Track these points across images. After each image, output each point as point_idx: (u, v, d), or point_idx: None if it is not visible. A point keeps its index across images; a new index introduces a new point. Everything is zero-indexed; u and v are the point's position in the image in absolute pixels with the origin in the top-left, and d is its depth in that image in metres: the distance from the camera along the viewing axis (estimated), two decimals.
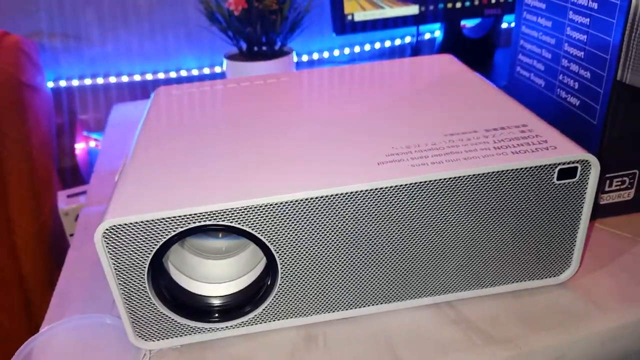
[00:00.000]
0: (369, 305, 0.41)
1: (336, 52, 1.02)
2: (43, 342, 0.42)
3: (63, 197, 0.82)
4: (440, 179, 0.37)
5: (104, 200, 0.63)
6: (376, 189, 0.36)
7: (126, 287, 0.37)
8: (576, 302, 0.42)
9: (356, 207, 0.37)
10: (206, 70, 0.99)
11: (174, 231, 0.35)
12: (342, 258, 0.39)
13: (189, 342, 0.40)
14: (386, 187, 0.36)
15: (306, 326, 0.41)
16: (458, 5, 0.84)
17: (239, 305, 0.39)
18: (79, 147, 0.97)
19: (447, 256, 0.40)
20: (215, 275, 0.41)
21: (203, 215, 0.35)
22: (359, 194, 0.36)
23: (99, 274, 0.50)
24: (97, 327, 0.42)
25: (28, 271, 0.87)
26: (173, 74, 0.98)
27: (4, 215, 0.84)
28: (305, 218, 0.36)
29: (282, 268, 0.38)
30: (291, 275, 0.38)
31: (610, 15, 0.45)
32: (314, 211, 0.36)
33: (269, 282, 0.39)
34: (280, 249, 0.37)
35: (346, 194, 0.36)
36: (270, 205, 0.36)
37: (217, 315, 0.39)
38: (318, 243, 0.38)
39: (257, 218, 0.36)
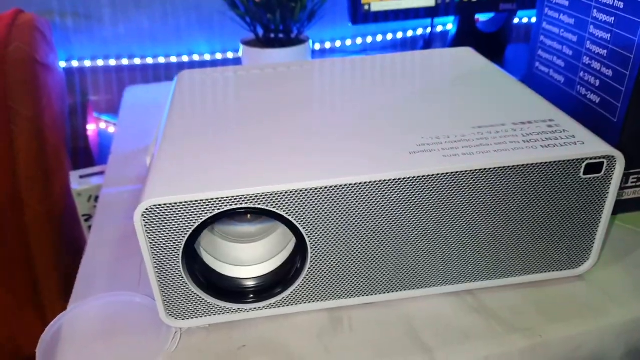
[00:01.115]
0: (393, 291, 0.42)
1: (348, 42, 1.02)
2: (72, 318, 0.42)
3: (75, 178, 0.82)
4: (472, 170, 0.38)
5: (122, 181, 0.63)
6: (410, 178, 0.37)
7: (161, 266, 0.38)
8: (593, 295, 0.43)
9: (387, 195, 0.38)
10: (219, 56, 0.99)
11: (211, 212, 0.36)
12: (370, 244, 0.39)
13: (218, 322, 0.41)
14: (419, 176, 0.37)
15: (332, 309, 0.42)
16: None
17: (270, 286, 0.40)
18: (90, 128, 0.97)
19: (472, 246, 0.41)
20: (246, 259, 0.42)
21: (240, 198, 0.36)
22: (391, 182, 0.37)
23: (121, 255, 0.50)
24: (127, 305, 0.43)
25: (36, 251, 0.87)
26: (185, 58, 0.98)
27: (13, 193, 0.84)
28: (338, 204, 0.37)
29: (312, 252, 0.39)
30: (320, 259, 0.39)
31: (637, 15, 0.45)
32: (348, 197, 0.37)
33: (298, 265, 0.40)
34: (312, 234, 0.38)
35: (379, 182, 0.37)
36: (306, 190, 0.36)
37: (249, 296, 0.40)
38: (348, 229, 0.38)
39: (292, 203, 0.37)
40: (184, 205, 0.36)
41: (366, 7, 0.82)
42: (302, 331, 0.41)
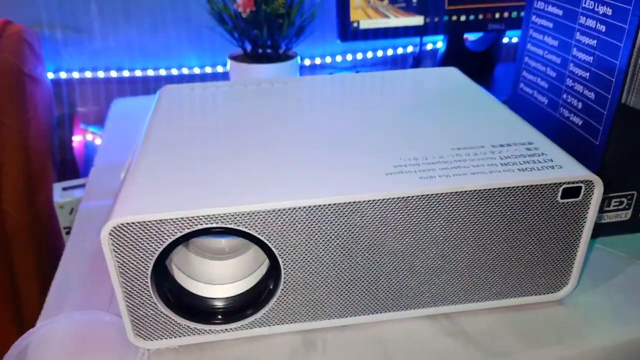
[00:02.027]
0: (368, 314, 0.41)
1: (338, 58, 1.03)
2: (39, 337, 0.41)
3: (58, 190, 0.82)
4: (448, 193, 0.37)
5: (103, 195, 0.63)
6: (384, 200, 0.37)
7: (129, 286, 0.37)
8: (572, 320, 0.43)
9: (362, 217, 0.37)
10: (208, 69, 0.99)
11: (181, 232, 0.35)
12: (345, 266, 0.39)
13: (188, 343, 0.40)
14: (394, 198, 0.37)
15: (306, 331, 0.42)
16: (462, 18, 0.85)
17: (241, 307, 0.39)
18: (76, 139, 0.96)
19: (448, 268, 0.40)
20: (218, 277, 0.41)
21: (211, 218, 0.35)
22: (366, 204, 0.37)
23: (96, 270, 0.49)
24: (95, 324, 0.42)
25: (18, 262, 0.86)
26: (174, 71, 0.98)
27: None
28: (311, 225, 0.37)
29: (285, 273, 0.38)
30: (294, 280, 0.39)
31: (618, 39, 0.45)
32: (321, 219, 0.37)
33: (271, 286, 0.39)
34: (284, 254, 0.37)
35: (353, 203, 0.36)
36: (279, 210, 0.36)
37: (218, 317, 0.39)
38: (322, 250, 0.38)
39: (264, 223, 0.36)
40: (152, 224, 0.35)
41: (355, 25, 0.82)
42: (275, 353, 0.40)
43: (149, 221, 0.35)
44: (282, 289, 0.39)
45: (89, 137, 0.98)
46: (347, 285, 0.40)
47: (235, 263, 0.42)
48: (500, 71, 0.96)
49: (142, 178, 0.39)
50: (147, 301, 0.38)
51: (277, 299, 0.39)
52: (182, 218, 0.35)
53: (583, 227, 0.40)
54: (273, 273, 0.39)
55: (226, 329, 0.40)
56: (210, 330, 0.39)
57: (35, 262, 0.87)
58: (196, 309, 0.39)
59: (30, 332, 0.41)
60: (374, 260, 0.39)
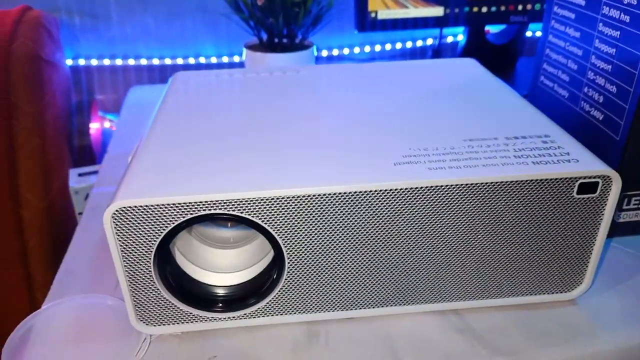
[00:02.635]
0: (374, 307, 0.40)
1: (356, 50, 1.01)
2: (43, 319, 0.41)
3: (74, 176, 0.82)
4: (456, 185, 0.36)
5: (115, 181, 0.62)
6: (389, 190, 0.36)
7: (132, 270, 0.37)
8: (584, 321, 0.41)
9: (367, 207, 0.36)
10: (225, 59, 0.98)
11: (183, 217, 0.35)
12: (351, 257, 0.38)
13: (190, 330, 0.40)
14: (400, 189, 0.36)
15: (309, 322, 0.41)
16: (484, 9, 0.83)
17: (243, 296, 0.39)
18: (94, 126, 0.96)
19: (457, 263, 0.39)
20: (221, 265, 0.40)
21: (213, 203, 0.35)
22: (371, 194, 0.36)
23: (104, 255, 0.49)
24: (99, 308, 0.42)
25: (33, 246, 0.87)
26: (192, 60, 0.98)
27: (12, 188, 0.84)
28: (316, 214, 0.36)
29: (289, 262, 0.38)
30: (297, 271, 0.38)
31: None
32: (326, 208, 0.36)
33: (274, 276, 0.39)
34: (288, 243, 0.37)
35: (358, 192, 0.35)
36: (282, 198, 0.35)
37: (220, 304, 0.39)
38: (327, 240, 0.37)
39: (267, 210, 0.35)
40: (153, 208, 0.34)
41: (372, 15, 0.81)
42: (277, 344, 0.40)
43: (152, 205, 0.34)
44: (286, 279, 0.38)
45: (107, 124, 0.99)
46: (352, 278, 0.39)
47: (240, 253, 0.41)
48: (522, 65, 0.93)
49: (147, 162, 0.38)
50: (150, 286, 0.37)
51: (280, 289, 0.38)
52: (185, 203, 0.35)
53: (600, 224, 0.39)
54: (277, 263, 0.38)
55: (229, 317, 0.39)
56: (212, 317, 0.39)
57: (50, 247, 0.88)
58: (199, 296, 0.39)
59: (34, 315, 0.42)
60: (380, 252, 0.38)
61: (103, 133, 0.99)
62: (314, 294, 0.39)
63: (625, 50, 0.46)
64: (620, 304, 0.43)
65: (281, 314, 0.40)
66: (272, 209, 0.35)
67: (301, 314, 0.40)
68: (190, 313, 0.39)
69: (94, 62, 0.96)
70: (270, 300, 0.39)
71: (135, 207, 0.34)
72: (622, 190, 0.48)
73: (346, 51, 1.01)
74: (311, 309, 0.40)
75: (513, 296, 0.41)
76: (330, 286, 0.39)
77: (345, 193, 0.35)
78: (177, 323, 0.39)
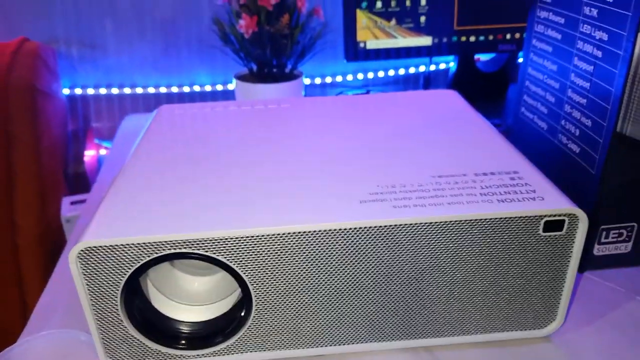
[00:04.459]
0: (343, 344, 0.40)
1: (349, 77, 1.02)
2: (17, 355, 0.42)
3: (66, 204, 0.83)
4: (420, 223, 0.36)
5: None
6: (354, 229, 0.36)
7: (98, 308, 0.37)
8: (559, 358, 0.41)
9: (332, 245, 0.36)
10: (219, 87, 1.00)
11: (149, 257, 0.35)
12: (317, 295, 0.38)
13: None
14: (362, 228, 0.36)
15: None
16: (472, 39, 0.84)
17: (210, 334, 0.39)
18: (89, 154, 0.98)
19: (425, 300, 0.39)
20: (193, 294, 0.40)
21: (179, 243, 0.35)
22: (336, 232, 0.36)
23: None
24: (72, 343, 0.42)
25: (27, 273, 0.88)
26: (186, 89, 1.00)
27: (8, 215, 0.85)
28: (282, 253, 0.36)
29: (256, 301, 0.38)
30: (265, 309, 0.38)
31: (613, 65, 0.44)
32: (292, 246, 0.36)
33: (242, 314, 0.39)
34: (255, 282, 0.37)
35: (323, 231, 0.36)
36: (247, 237, 0.35)
37: (187, 342, 0.39)
38: (294, 278, 0.37)
39: (232, 249, 0.36)
40: (119, 248, 0.35)
41: (361, 45, 0.82)
42: None
43: (117, 245, 0.35)
44: (254, 317, 0.38)
45: (103, 151, 1.00)
46: (320, 315, 0.39)
47: (213, 281, 0.41)
48: (513, 92, 0.94)
49: (116, 201, 0.39)
50: (117, 324, 0.38)
51: (248, 327, 0.38)
52: (150, 243, 0.35)
53: (569, 261, 0.39)
54: (244, 301, 0.38)
55: (196, 355, 0.39)
56: (181, 355, 0.39)
57: (43, 274, 0.89)
58: (166, 333, 0.39)
59: (9, 349, 0.42)
60: (347, 289, 0.38)
61: (99, 160, 1.00)
62: (282, 332, 0.39)
63: (598, 85, 0.46)
64: (597, 340, 0.43)
65: (250, 351, 0.40)
66: (237, 248, 0.36)
67: (269, 351, 0.40)
68: (159, 351, 0.39)
69: (91, 91, 0.98)
70: (237, 338, 0.39)
71: (101, 247, 0.35)
72: (599, 223, 0.48)
73: (339, 79, 1.02)
74: (280, 346, 0.40)
75: (485, 332, 0.41)
76: (299, 324, 0.39)
77: (306, 232, 0.36)
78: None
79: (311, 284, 0.37)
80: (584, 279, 0.49)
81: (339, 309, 0.39)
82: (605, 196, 0.47)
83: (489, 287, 0.39)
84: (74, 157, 0.99)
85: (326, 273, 0.37)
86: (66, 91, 0.97)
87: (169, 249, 0.35)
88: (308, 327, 0.39)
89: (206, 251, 0.36)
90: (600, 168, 0.46)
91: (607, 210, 0.48)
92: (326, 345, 0.40)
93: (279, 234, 0.35)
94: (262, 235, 0.35)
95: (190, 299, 0.41)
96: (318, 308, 0.38)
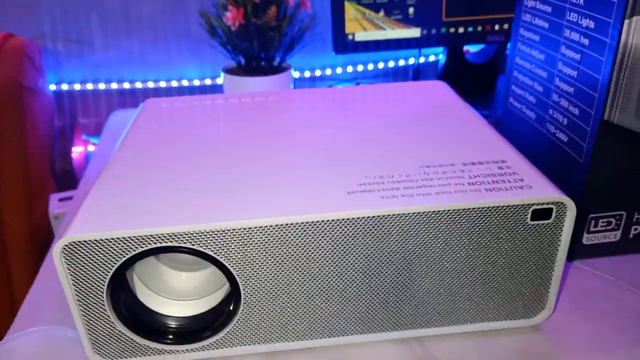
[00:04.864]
0: (333, 336, 0.40)
1: (339, 70, 1.02)
2: (4, 352, 0.41)
3: (54, 201, 0.82)
4: (408, 213, 0.36)
5: None
6: (341, 220, 0.35)
7: (84, 304, 0.36)
8: (548, 348, 0.41)
9: (320, 237, 0.36)
10: (207, 81, 0.99)
11: (135, 250, 0.35)
12: (306, 287, 0.38)
13: None
14: (350, 219, 0.35)
15: (268, 353, 0.41)
16: (460, 30, 0.83)
17: (199, 328, 0.39)
18: (77, 150, 0.97)
19: (415, 291, 0.39)
20: (180, 290, 0.40)
21: (165, 237, 0.35)
22: (323, 224, 0.36)
23: None
24: (58, 340, 0.42)
25: (16, 271, 0.87)
26: (174, 83, 0.99)
27: None
28: (269, 245, 0.36)
29: (244, 295, 0.37)
30: (254, 303, 0.38)
31: (600, 53, 0.44)
32: (279, 239, 0.36)
33: (230, 308, 0.38)
34: (243, 275, 0.37)
35: (311, 222, 0.35)
36: (234, 230, 0.35)
37: (175, 337, 0.39)
38: (282, 271, 0.37)
39: (219, 242, 0.35)
40: (104, 242, 0.34)
41: (350, 37, 0.82)
42: None
43: (101, 239, 0.34)
44: (242, 311, 0.38)
45: (91, 147, 0.99)
46: (310, 307, 0.39)
47: (201, 276, 0.41)
48: (502, 83, 0.94)
49: (101, 194, 0.39)
50: (104, 319, 0.37)
51: (237, 321, 0.38)
52: (135, 237, 0.34)
53: (557, 250, 0.39)
54: (233, 295, 0.38)
55: (185, 350, 0.39)
56: (169, 350, 0.39)
57: (33, 272, 0.88)
58: (153, 328, 0.39)
59: None
60: (336, 281, 0.38)
61: (87, 157, 0.99)
62: (271, 325, 0.39)
63: (585, 73, 0.46)
64: (586, 329, 0.43)
65: (239, 345, 0.39)
66: (224, 242, 0.35)
67: (259, 345, 0.39)
68: (147, 345, 0.38)
69: (77, 86, 0.97)
70: (226, 333, 0.39)
71: (85, 241, 0.34)
72: (588, 212, 0.48)
73: (328, 72, 1.02)
74: (269, 340, 0.39)
75: (475, 322, 0.41)
76: (288, 316, 0.39)
77: (295, 224, 0.35)
78: (134, 356, 0.39)
79: (300, 276, 0.37)
80: (574, 268, 0.49)
81: (328, 300, 0.38)
82: (594, 185, 0.47)
83: (478, 277, 0.39)
84: (61, 153, 0.97)
85: (315, 265, 0.37)
86: (52, 87, 0.96)
87: (155, 243, 0.35)
88: (297, 319, 0.39)
89: (193, 244, 0.35)
90: (589, 157, 0.46)
91: (595, 199, 0.48)
92: (316, 338, 0.40)
93: (266, 226, 0.35)
94: (249, 228, 0.35)
95: (177, 294, 0.40)
96: (307, 300, 0.38)
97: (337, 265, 0.37)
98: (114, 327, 0.38)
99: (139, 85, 0.98)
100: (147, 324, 0.39)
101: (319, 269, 0.37)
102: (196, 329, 0.39)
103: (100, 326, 0.37)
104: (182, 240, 0.35)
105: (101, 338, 0.38)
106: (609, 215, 0.49)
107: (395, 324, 0.40)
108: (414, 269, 0.38)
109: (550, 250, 0.39)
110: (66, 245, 0.34)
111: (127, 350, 0.38)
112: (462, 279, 0.39)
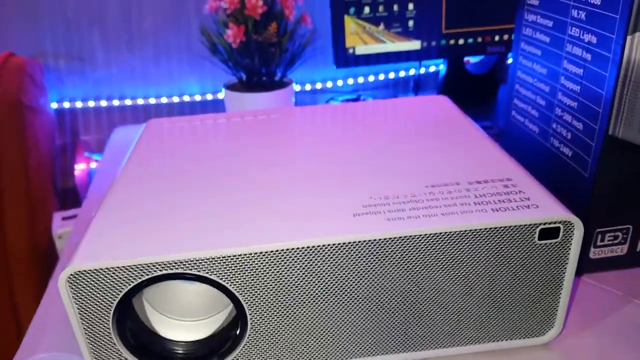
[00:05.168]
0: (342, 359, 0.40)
1: (340, 82, 1.02)
2: None
3: (58, 219, 0.82)
4: (415, 235, 0.36)
5: None
6: (348, 243, 0.35)
7: (90, 332, 0.36)
8: None
9: (328, 260, 0.36)
10: (209, 97, 0.99)
11: (140, 278, 0.35)
12: (314, 312, 0.37)
13: None
14: (358, 242, 0.35)
15: None
16: (461, 42, 0.84)
17: (205, 355, 0.38)
18: (79, 167, 0.97)
19: (423, 312, 0.39)
20: (185, 305, 0.40)
21: (171, 264, 0.34)
22: (329, 248, 0.35)
23: None
24: None
25: (19, 290, 0.87)
26: (176, 99, 0.99)
27: None
28: (275, 270, 0.36)
29: (251, 319, 0.37)
30: (260, 327, 0.37)
31: (603, 68, 0.44)
32: (285, 263, 0.35)
33: (237, 333, 0.38)
34: (250, 301, 0.36)
35: (316, 247, 0.35)
36: (240, 256, 0.35)
37: None
38: (289, 296, 0.37)
39: (226, 268, 0.35)
40: (110, 272, 0.34)
41: (350, 51, 0.82)
42: None
43: (107, 268, 0.34)
44: (249, 337, 0.38)
45: (93, 164, 0.99)
46: (317, 332, 0.38)
47: (209, 291, 0.41)
48: (503, 92, 0.94)
49: (106, 222, 0.38)
50: (110, 346, 0.37)
51: (244, 346, 0.38)
52: (140, 265, 0.34)
53: (565, 268, 0.38)
54: (239, 320, 0.38)
55: None
56: None
57: (36, 292, 0.88)
58: (160, 355, 0.38)
59: None
60: (344, 305, 0.37)
61: (89, 174, 0.99)
62: (278, 351, 0.38)
63: (589, 88, 0.46)
64: (596, 344, 0.42)
65: None
66: (230, 267, 0.35)
67: None
68: None
69: (79, 104, 0.97)
70: (234, 358, 0.38)
71: (90, 270, 0.34)
72: (594, 226, 0.48)
73: (329, 84, 1.02)
74: None
75: (484, 342, 0.41)
76: (295, 341, 0.38)
77: (302, 248, 0.35)
78: None
79: (307, 300, 0.37)
80: (581, 283, 0.49)
81: (336, 324, 0.38)
82: (599, 199, 0.47)
83: (486, 297, 0.39)
84: (62, 171, 0.97)
85: (322, 289, 0.37)
86: (54, 105, 0.96)
87: (160, 271, 0.35)
88: (304, 343, 0.39)
89: (199, 271, 0.35)
90: (593, 171, 0.46)
91: (601, 213, 0.47)
92: None
93: (272, 251, 0.35)
94: (256, 253, 0.35)
95: (183, 309, 0.40)
96: (314, 324, 0.38)
97: (344, 288, 0.37)
98: (120, 355, 0.37)
99: (140, 101, 0.98)
100: (154, 351, 0.38)
101: (327, 293, 0.37)
102: (203, 354, 0.38)
103: (107, 354, 0.37)
104: (188, 267, 0.35)
105: None
106: (615, 229, 0.49)
107: (404, 345, 0.40)
108: (422, 291, 0.38)
109: (558, 269, 0.38)
110: (71, 274, 0.34)
111: None
112: (470, 299, 0.39)
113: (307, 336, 0.38)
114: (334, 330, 0.38)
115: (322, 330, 0.38)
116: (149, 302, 0.39)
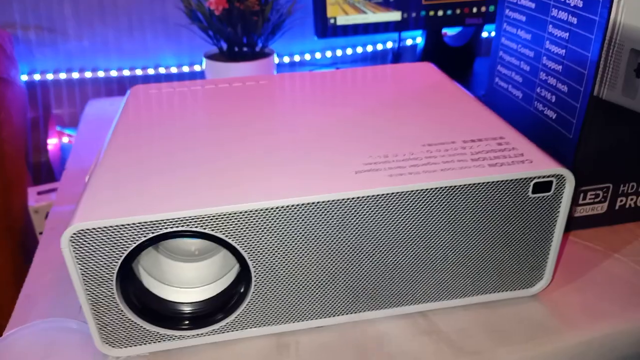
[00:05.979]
0: (342, 315, 0.41)
1: (318, 55, 1.02)
2: (6, 347, 0.40)
3: (33, 194, 0.80)
4: (417, 190, 0.36)
5: (75, 199, 0.61)
6: (353, 198, 0.36)
7: (93, 293, 0.36)
8: (546, 316, 0.42)
9: (331, 216, 0.36)
10: (185, 69, 0.98)
11: (145, 237, 0.35)
12: (317, 266, 0.38)
13: (158, 350, 0.39)
14: (363, 197, 0.36)
15: (278, 334, 0.41)
16: (440, 13, 0.84)
17: (210, 312, 0.39)
18: (52, 142, 0.94)
19: (421, 266, 0.40)
20: (186, 280, 0.40)
21: (175, 221, 0.34)
22: (335, 203, 0.36)
23: (66, 277, 0.48)
24: (62, 332, 0.41)
25: None
26: (151, 71, 0.97)
27: None
28: (279, 226, 0.36)
29: (255, 276, 0.37)
30: (265, 284, 0.38)
31: (589, 31, 0.45)
32: (289, 219, 0.36)
33: (241, 290, 0.38)
34: (253, 257, 0.37)
35: (322, 202, 0.36)
36: (244, 212, 0.35)
37: (187, 322, 0.38)
38: (292, 251, 0.37)
39: (230, 225, 0.35)
40: (113, 229, 0.34)
41: (332, 21, 0.82)
42: (247, 358, 0.39)
43: (111, 226, 0.34)
44: (253, 293, 0.38)
45: (65, 139, 0.97)
46: (319, 287, 0.39)
47: (205, 266, 0.41)
48: (479, 65, 0.95)
49: (104, 182, 0.38)
50: (113, 308, 0.37)
51: (248, 302, 0.38)
52: (144, 222, 0.34)
53: (556, 221, 0.40)
54: (243, 276, 0.38)
55: (196, 334, 0.39)
56: (179, 336, 0.39)
57: (12, 268, 0.86)
58: (164, 315, 0.38)
59: None
60: (345, 260, 0.38)
61: (62, 148, 0.96)
62: (282, 306, 0.39)
63: (574, 51, 0.47)
64: (580, 298, 0.44)
65: (250, 327, 0.39)
66: (234, 224, 0.35)
67: (270, 326, 0.40)
68: (157, 332, 0.38)
69: (50, 76, 0.94)
70: (238, 315, 0.39)
71: (94, 229, 0.34)
72: (577, 185, 0.50)
73: (308, 57, 1.01)
74: (280, 321, 0.40)
75: (476, 295, 0.42)
76: (298, 296, 0.39)
77: (306, 204, 0.35)
78: (144, 344, 0.39)
79: (311, 255, 0.37)
80: (564, 240, 0.51)
81: (338, 279, 0.39)
82: (583, 159, 0.49)
83: (481, 250, 0.40)
84: (35, 146, 0.95)
85: (326, 244, 0.37)
86: (24, 77, 0.92)
87: (164, 228, 0.35)
88: (307, 299, 0.39)
89: (203, 228, 0.35)
90: (578, 132, 0.48)
91: (584, 173, 0.49)
92: (325, 317, 0.40)
93: (275, 207, 0.35)
94: (260, 209, 0.35)
95: (184, 282, 0.40)
96: (317, 279, 0.39)
97: (348, 243, 0.38)
98: (123, 316, 0.37)
99: (114, 73, 0.96)
100: (157, 311, 0.38)
101: (331, 248, 0.37)
102: (209, 312, 0.39)
103: (110, 315, 0.37)
104: (192, 224, 0.35)
105: (110, 328, 0.37)
106: (597, 187, 0.51)
107: (402, 299, 0.41)
108: (420, 245, 0.39)
109: (549, 223, 0.40)
110: (74, 233, 0.34)
111: (137, 338, 0.38)
112: (466, 253, 0.40)
113: (310, 291, 0.39)
114: (336, 286, 0.39)
115: (325, 284, 0.39)
116: (147, 272, 0.39)
